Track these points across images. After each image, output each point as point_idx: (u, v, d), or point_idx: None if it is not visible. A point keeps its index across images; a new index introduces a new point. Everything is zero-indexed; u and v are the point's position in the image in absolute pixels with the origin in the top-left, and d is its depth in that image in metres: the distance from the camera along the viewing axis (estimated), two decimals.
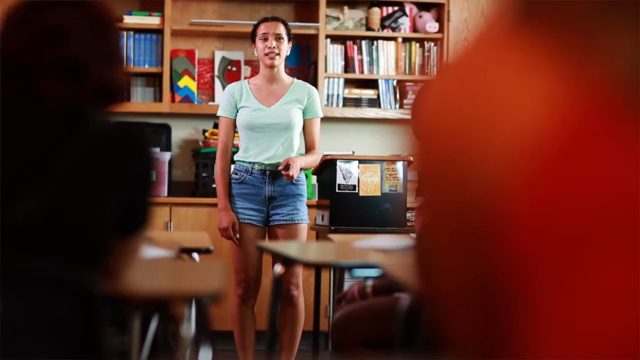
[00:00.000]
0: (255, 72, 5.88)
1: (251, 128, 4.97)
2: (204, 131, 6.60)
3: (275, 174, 4.95)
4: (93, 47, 2.21)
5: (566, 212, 0.52)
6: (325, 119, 5.81)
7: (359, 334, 3.40)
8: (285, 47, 5.02)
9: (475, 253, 0.56)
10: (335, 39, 6.75)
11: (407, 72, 6.81)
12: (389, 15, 6.81)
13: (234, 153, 5.09)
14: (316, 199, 5.90)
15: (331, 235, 4.50)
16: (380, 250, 3.58)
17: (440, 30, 6.80)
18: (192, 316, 2.62)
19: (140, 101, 6.62)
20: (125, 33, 6.54)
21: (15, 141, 2.13)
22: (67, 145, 2.11)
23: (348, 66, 6.75)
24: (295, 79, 5.12)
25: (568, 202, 0.52)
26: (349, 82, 6.81)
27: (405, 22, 6.80)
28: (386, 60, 6.77)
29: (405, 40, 6.81)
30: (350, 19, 6.81)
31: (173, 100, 6.64)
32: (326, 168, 5.29)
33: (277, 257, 4.08)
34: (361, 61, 6.76)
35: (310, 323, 4.57)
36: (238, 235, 4.96)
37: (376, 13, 6.80)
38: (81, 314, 2.04)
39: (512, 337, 0.54)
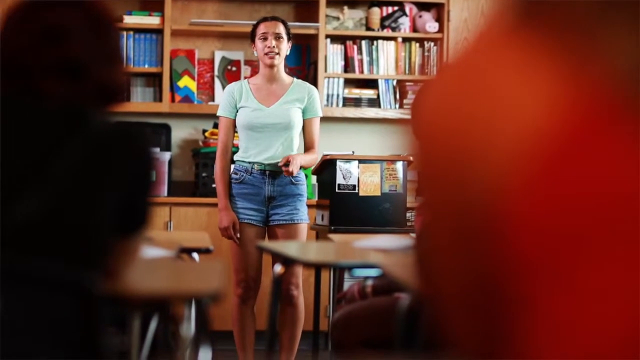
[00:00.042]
0: (255, 72, 5.88)
1: (251, 128, 4.97)
2: (204, 131, 6.60)
3: (275, 173, 4.95)
4: (93, 47, 2.21)
5: (566, 212, 0.52)
6: (325, 119, 5.81)
7: (358, 333, 3.40)
8: (285, 47, 5.02)
9: (475, 253, 0.56)
10: (335, 38, 6.75)
11: (407, 72, 6.81)
12: (389, 15, 6.81)
13: (234, 153, 5.09)
14: (316, 198, 5.90)
15: (331, 235, 4.50)
16: (380, 250, 3.58)
17: (440, 30, 6.80)
18: (192, 316, 2.62)
19: (140, 101, 6.62)
20: (125, 33, 6.54)
21: (15, 141, 2.13)
22: (67, 145, 2.11)
23: (348, 66, 6.75)
24: (295, 79, 5.12)
25: (568, 202, 0.52)
26: (348, 82, 6.81)
27: (405, 22, 6.80)
28: (386, 60, 6.77)
29: (405, 40, 6.81)
30: (350, 19, 6.81)
31: (173, 100, 6.64)
32: (326, 168, 5.29)
33: (277, 257, 4.08)
34: (361, 61, 6.76)
35: (310, 323, 4.57)
36: (239, 235, 4.96)
37: (376, 13, 6.80)
38: (81, 314, 2.04)
39: (512, 337, 0.54)
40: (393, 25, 6.80)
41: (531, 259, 0.53)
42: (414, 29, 6.84)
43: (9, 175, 2.09)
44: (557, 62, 0.54)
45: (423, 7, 6.86)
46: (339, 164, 5.21)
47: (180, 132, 6.78)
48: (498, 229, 0.54)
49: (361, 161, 5.26)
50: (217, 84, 6.74)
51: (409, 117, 4.95)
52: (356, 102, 6.74)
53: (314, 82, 6.38)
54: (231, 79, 6.57)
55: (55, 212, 2.08)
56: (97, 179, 2.13)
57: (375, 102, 6.76)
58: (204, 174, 6.44)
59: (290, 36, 5.08)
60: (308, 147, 5.06)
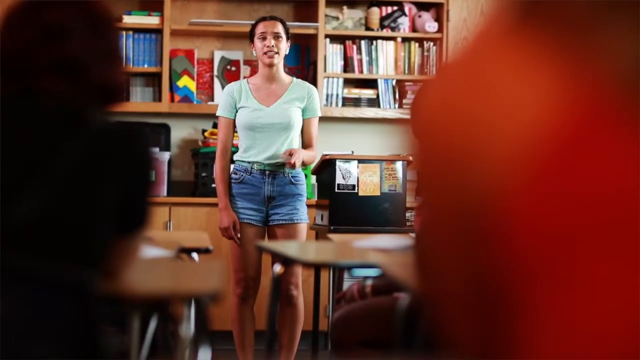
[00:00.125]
0: (254, 71, 5.88)
1: (251, 128, 4.96)
2: (204, 131, 6.60)
3: (275, 173, 4.95)
4: (92, 46, 2.21)
5: (566, 211, 0.52)
6: (324, 119, 5.81)
7: (358, 333, 3.40)
8: (284, 46, 5.02)
9: (474, 253, 0.55)
10: (334, 38, 6.75)
11: (406, 71, 6.81)
12: (388, 15, 6.81)
13: (234, 153, 5.09)
14: (315, 198, 5.90)
15: (330, 235, 4.50)
16: (379, 250, 3.58)
17: (440, 30, 6.81)
18: (192, 316, 2.62)
19: (139, 101, 6.62)
20: (124, 33, 6.54)
21: (15, 141, 2.13)
22: (66, 145, 2.11)
23: (347, 66, 6.75)
24: (294, 78, 5.12)
25: (568, 201, 0.52)
26: (348, 82, 6.81)
27: (404, 22, 6.81)
28: (385, 60, 6.77)
29: (405, 40, 6.81)
30: (349, 19, 6.81)
31: (172, 100, 6.64)
32: (325, 168, 5.29)
33: (277, 257, 4.08)
34: (360, 61, 6.76)
35: (309, 323, 4.57)
36: (239, 235, 4.96)
37: (375, 13, 6.80)
38: (81, 313, 2.04)
39: (511, 337, 0.54)
40: (392, 25, 6.80)
41: (531, 259, 0.53)
42: (414, 28, 6.84)
43: (9, 174, 2.09)
44: (557, 62, 0.54)
45: (422, 7, 6.86)
46: (338, 163, 5.21)
47: (180, 132, 6.78)
48: (497, 228, 0.54)
49: (361, 161, 5.26)
50: (217, 83, 6.74)
51: (408, 117, 4.95)
52: (355, 102, 6.74)
53: (314, 82, 6.38)
54: (230, 78, 6.57)
55: (54, 211, 2.08)
56: (97, 178, 2.13)
57: (374, 102, 6.76)
58: (203, 174, 6.44)
59: (289, 35, 5.07)
60: (306, 146, 5.06)
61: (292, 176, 4.97)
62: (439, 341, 0.60)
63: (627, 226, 0.51)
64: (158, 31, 6.60)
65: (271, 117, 4.95)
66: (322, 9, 6.65)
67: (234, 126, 5.03)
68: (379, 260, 3.36)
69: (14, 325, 2.00)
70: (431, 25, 6.79)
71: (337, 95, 6.71)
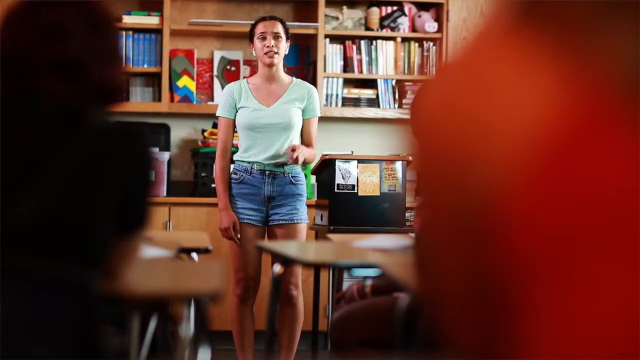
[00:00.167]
0: (254, 71, 5.88)
1: (251, 128, 4.96)
2: (203, 131, 6.60)
3: (275, 173, 4.95)
4: (92, 46, 2.21)
5: (565, 211, 0.52)
6: (324, 119, 5.81)
7: (358, 333, 3.40)
8: (284, 46, 5.02)
9: (474, 252, 0.55)
10: (334, 38, 6.75)
11: (406, 71, 6.81)
12: (388, 15, 6.81)
13: (234, 153, 5.09)
14: (315, 198, 5.90)
15: (330, 235, 4.50)
16: (379, 250, 3.58)
17: (439, 30, 6.81)
18: (191, 316, 2.62)
19: (139, 101, 6.62)
20: (124, 33, 6.54)
21: (15, 141, 2.13)
22: (66, 145, 2.11)
23: (347, 66, 6.75)
24: (294, 78, 5.12)
25: (567, 201, 0.52)
26: (348, 82, 6.81)
27: (404, 22, 6.81)
28: (385, 60, 6.77)
29: (404, 40, 6.81)
30: (349, 19, 6.81)
31: (172, 100, 6.64)
32: (325, 168, 5.29)
33: (277, 257, 4.08)
34: (360, 61, 6.76)
35: (309, 323, 4.57)
36: (239, 236, 4.96)
37: (375, 13, 6.80)
38: (80, 313, 2.04)
39: (511, 337, 0.54)
40: (392, 25, 6.80)
41: (531, 259, 0.53)
42: (413, 28, 6.84)
43: (9, 174, 2.09)
44: (557, 62, 0.54)
45: (422, 7, 6.86)
46: (338, 163, 5.21)
47: (180, 132, 6.78)
48: (497, 228, 0.54)
49: (360, 161, 5.26)
50: (216, 83, 6.74)
51: (408, 116, 4.95)
52: (355, 102, 6.74)
53: (313, 82, 6.38)
54: (230, 78, 6.57)
55: (54, 211, 2.08)
56: (97, 178, 2.13)
57: (374, 102, 6.76)
58: (203, 174, 6.44)
59: (289, 35, 5.07)
60: (306, 145, 5.06)
61: (292, 176, 4.97)
62: (439, 341, 0.60)
63: (627, 226, 0.51)
64: (158, 31, 6.60)
65: (271, 117, 4.95)
66: (322, 9, 6.65)
67: (234, 126, 5.03)
68: (379, 260, 3.36)
69: (14, 325, 2.00)
70: (431, 25, 6.79)
71: (337, 95, 6.71)
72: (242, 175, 4.98)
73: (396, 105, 6.75)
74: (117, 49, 2.31)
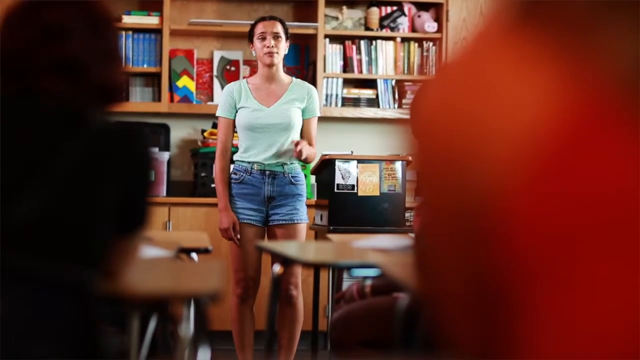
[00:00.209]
0: (254, 71, 5.88)
1: (251, 128, 4.96)
2: (203, 131, 6.60)
3: (275, 173, 4.95)
4: (92, 46, 2.21)
5: (565, 211, 0.52)
6: (323, 119, 5.81)
7: (357, 333, 3.40)
8: (284, 46, 5.02)
9: (474, 252, 0.55)
10: (334, 38, 6.75)
11: (405, 71, 6.81)
12: (388, 15, 6.81)
13: (233, 153, 5.09)
14: (315, 198, 5.90)
15: (330, 235, 4.50)
16: (379, 250, 3.58)
17: (439, 30, 6.81)
18: (191, 316, 2.62)
19: (139, 101, 6.62)
20: (124, 33, 6.54)
21: (15, 141, 2.13)
22: (66, 145, 2.11)
23: (347, 66, 6.75)
24: (294, 78, 5.12)
25: (567, 201, 0.52)
26: (347, 82, 6.81)
27: (404, 22, 6.81)
28: (385, 60, 6.77)
29: (404, 40, 6.81)
30: (349, 19, 6.81)
31: (172, 100, 6.64)
32: (325, 168, 5.29)
33: (276, 257, 4.08)
34: (360, 61, 6.76)
35: (309, 323, 4.57)
36: (239, 236, 4.96)
37: (375, 13, 6.80)
38: (80, 313, 2.04)
39: (511, 337, 0.54)
40: (392, 25, 6.80)
41: (531, 259, 0.53)
42: (413, 28, 6.84)
43: (9, 174, 2.09)
44: (557, 62, 0.54)
45: (422, 7, 6.86)
46: (337, 164, 5.21)
47: (179, 132, 6.78)
48: (497, 228, 0.54)
49: (360, 161, 5.26)
50: (216, 83, 6.74)
51: (407, 117, 4.95)
52: (355, 102, 6.74)
53: (313, 82, 6.38)
54: (230, 78, 6.57)
55: (54, 211, 2.08)
56: (97, 178, 2.13)
57: (374, 102, 6.76)
58: (202, 174, 6.44)
59: (289, 35, 5.07)
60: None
61: (292, 176, 4.97)
62: (439, 341, 0.60)
63: (627, 226, 0.51)
64: (157, 31, 6.60)
65: (271, 118, 4.95)
66: (322, 9, 6.65)
67: (234, 126, 5.03)
68: (379, 260, 3.36)
69: (14, 325, 2.00)
70: (430, 26, 6.79)
71: (337, 95, 6.71)
72: (242, 176, 4.98)
73: (396, 106, 6.75)
74: (117, 49, 2.31)
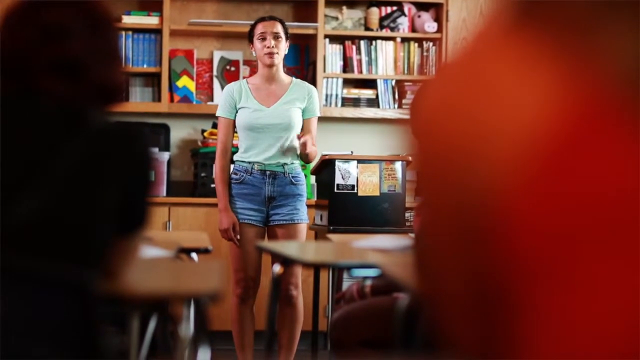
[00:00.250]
0: (254, 72, 5.88)
1: (251, 128, 4.96)
2: (203, 131, 6.60)
3: (275, 174, 4.95)
4: (92, 46, 2.21)
5: (565, 211, 0.52)
6: (323, 119, 5.81)
7: (357, 333, 3.40)
8: (284, 46, 5.02)
9: (474, 253, 0.55)
10: (333, 38, 6.75)
11: (405, 72, 6.81)
12: (388, 15, 6.81)
13: (234, 153, 5.09)
14: (315, 198, 5.90)
15: (330, 235, 4.50)
16: (379, 250, 3.58)
17: (439, 30, 6.81)
18: (191, 316, 2.62)
19: (139, 101, 6.62)
20: (123, 33, 6.54)
21: (15, 141, 2.13)
22: (66, 145, 2.11)
23: (347, 66, 6.75)
24: (294, 78, 5.12)
25: (567, 201, 0.52)
26: (347, 82, 6.81)
27: (403, 22, 6.81)
28: (385, 60, 6.77)
29: (404, 40, 6.81)
30: (349, 19, 6.81)
31: (172, 100, 6.64)
32: (325, 168, 5.29)
33: (276, 257, 4.08)
34: (360, 61, 6.76)
35: (309, 323, 4.57)
36: (239, 236, 4.96)
37: (375, 13, 6.80)
38: (80, 313, 2.04)
39: (511, 337, 0.54)
40: (392, 25, 6.80)
41: (531, 259, 0.53)
42: (413, 29, 6.84)
43: (9, 174, 2.09)
44: (557, 62, 0.54)
45: (422, 7, 6.86)
46: (337, 164, 5.21)
47: (179, 132, 6.78)
48: (497, 228, 0.54)
49: (360, 161, 5.26)
50: (216, 84, 6.74)
51: (407, 117, 4.94)
52: (355, 102, 6.74)
53: (313, 82, 6.38)
54: (230, 79, 6.57)
55: (54, 211, 2.08)
56: (97, 178, 2.13)
57: (374, 102, 6.76)
58: (202, 174, 6.44)
59: (289, 35, 5.07)
60: None
61: (292, 176, 4.97)
62: (439, 341, 0.60)
63: (627, 226, 0.51)
64: (157, 31, 6.60)
65: (271, 118, 4.95)
66: (322, 9, 6.65)
67: (234, 126, 5.03)
68: (379, 261, 3.36)
69: (14, 325, 2.00)
70: (430, 26, 6.79)
71: (337, 95, 6.71)
72: (242, 176, 4.98)
73: (396, 106, 6.75)
74: (117, 49, 2.31)
